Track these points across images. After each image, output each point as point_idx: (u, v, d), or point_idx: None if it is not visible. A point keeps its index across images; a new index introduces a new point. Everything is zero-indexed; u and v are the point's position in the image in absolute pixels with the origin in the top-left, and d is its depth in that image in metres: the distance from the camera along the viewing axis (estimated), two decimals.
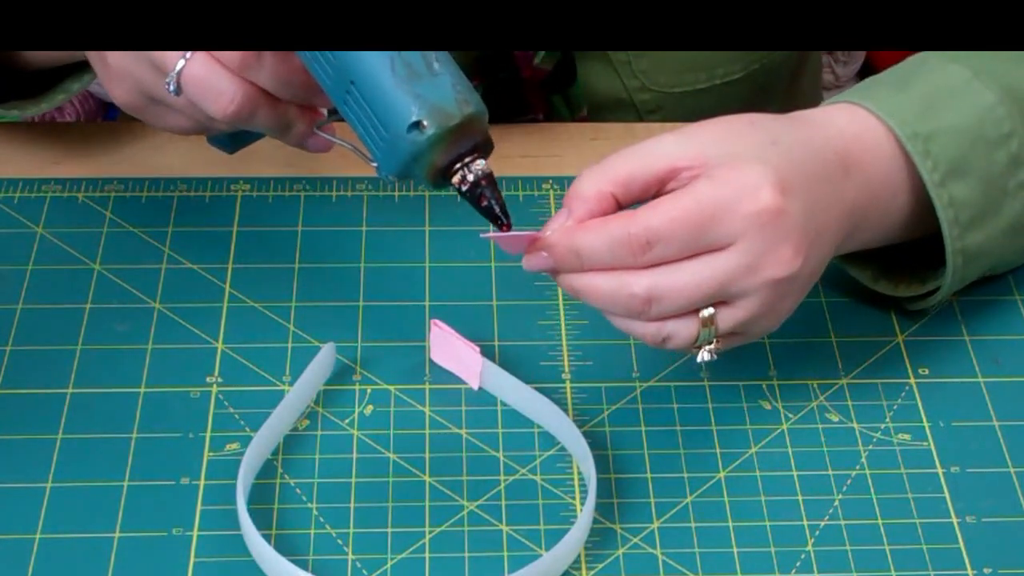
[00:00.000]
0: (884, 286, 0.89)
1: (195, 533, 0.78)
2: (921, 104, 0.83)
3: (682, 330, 0.76)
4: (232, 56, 0.79)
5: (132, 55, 0.82)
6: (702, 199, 0.74)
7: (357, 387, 0.85)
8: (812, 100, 1.23)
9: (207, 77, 0.79)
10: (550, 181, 0.98)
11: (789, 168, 0.76)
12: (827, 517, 0.80)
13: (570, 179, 0.97)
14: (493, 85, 1.01)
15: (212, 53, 0.79)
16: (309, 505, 0.79)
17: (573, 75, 1.02)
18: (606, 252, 0.75)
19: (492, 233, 0.78)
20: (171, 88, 0.80)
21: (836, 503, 0.80)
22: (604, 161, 0.78)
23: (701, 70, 1.07)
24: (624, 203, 0.77)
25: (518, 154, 1.00)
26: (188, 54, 0.79)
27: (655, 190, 0.77)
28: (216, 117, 0.80)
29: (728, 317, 0.76)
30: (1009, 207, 0.84)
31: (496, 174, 0.99)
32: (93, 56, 0.85)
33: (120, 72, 0.83)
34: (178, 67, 0.79)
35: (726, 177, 0.75)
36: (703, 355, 0.78)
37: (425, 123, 0.74)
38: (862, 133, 0.82)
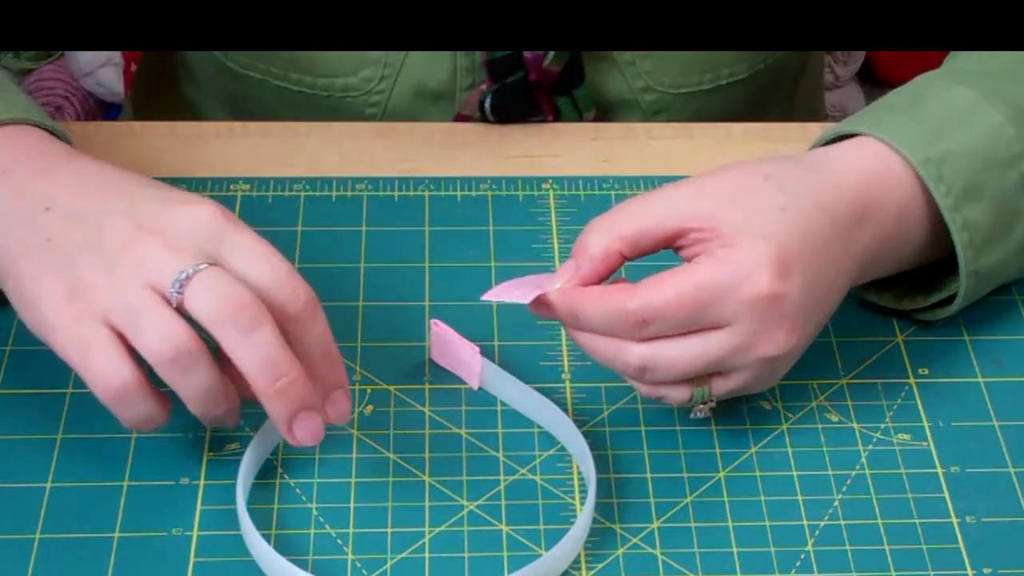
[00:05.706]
0: (888, 299, 0.89)
1: (195, 533, 0.78)
2: (931, 128, 0.83)
3: (675, 394, 0.80)
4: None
5: None
6: (701, 283, 0.76)
7: (357, 387, 0.85)
8: (815, 100, 1.23)
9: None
10: (550, 181, 0.98)
11: (793, 241, 0.78)
12: (827, 517, 0.80)
13: (570, 179, 0.98)
14: (503, 88, 1.01)
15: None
16: (309, 505, 0.79)
17: (581, 77, 1.02)
18: (603, 323, 0.77)
19: (495, 291, 0.80)
20: None
21: (836, 503, 0.80)
22: (614, 213, 0.80)
23: (706, 71, 1.07)
24: (631, 258, 0.79)
25: (518, 154, 1.00)
26: None
27: (663, 246, 0.80)
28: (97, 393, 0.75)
29: (721, 385, 0.79)
30: (1021, 226, 0.85)
31: (496, 174, 0.99)
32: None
33: None
34: None
35: (726, 259, 0.76)
36: (696, 413, 0.81)
37: None
38: (875, 169, 0.82)
